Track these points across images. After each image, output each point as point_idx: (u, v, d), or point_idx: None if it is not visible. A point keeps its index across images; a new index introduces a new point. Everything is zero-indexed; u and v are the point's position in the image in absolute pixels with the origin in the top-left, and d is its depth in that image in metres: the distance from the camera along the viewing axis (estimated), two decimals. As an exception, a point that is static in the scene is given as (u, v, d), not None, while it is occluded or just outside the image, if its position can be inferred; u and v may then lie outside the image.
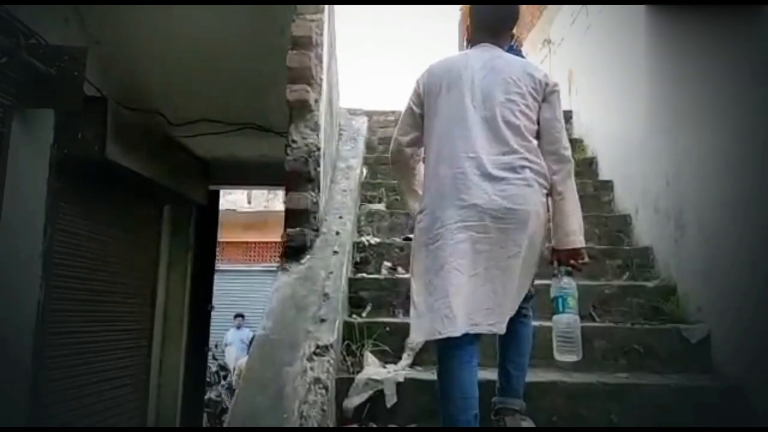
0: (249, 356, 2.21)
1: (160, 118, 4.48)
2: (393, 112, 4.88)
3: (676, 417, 2.19)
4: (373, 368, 2.35)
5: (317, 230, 2.95)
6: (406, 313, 2.78)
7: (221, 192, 6.38)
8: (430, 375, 2.33)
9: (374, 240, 3.22)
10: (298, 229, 2.81)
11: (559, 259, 2.02)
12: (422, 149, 2.15)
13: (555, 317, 2.00)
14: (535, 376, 2.34)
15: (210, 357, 9.72)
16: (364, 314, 2.79)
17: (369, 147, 4.42)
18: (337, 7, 3.74)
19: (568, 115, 4.95)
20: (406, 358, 2.46)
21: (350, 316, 2.74)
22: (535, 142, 1.98)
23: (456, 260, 1.84)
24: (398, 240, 3.33)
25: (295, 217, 2.88)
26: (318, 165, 3.01)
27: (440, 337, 1.83)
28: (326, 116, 3.50)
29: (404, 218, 3.51)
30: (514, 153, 1.91)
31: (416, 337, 2.02)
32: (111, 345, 4.16)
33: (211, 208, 5.78)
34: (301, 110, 2.95)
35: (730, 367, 2.35)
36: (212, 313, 6.07)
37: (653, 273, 3.08)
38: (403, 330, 2.56)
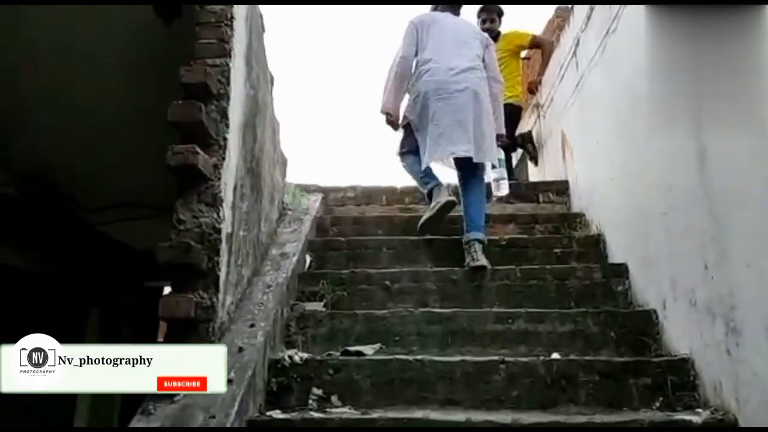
0: None
1: (72, 205, 3.73)
2: (353, 188, 4.09)
3: None
4: None
5: (211, 347, 2.05)
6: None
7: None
8: None
9: (299, 356, 2.27)
10: (173, 348, 1.91)
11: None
12: (414, 64, 3.44)
13: (491, 171, 3.84)
14: None
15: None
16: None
17: (320, 229, 3.56)
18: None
19: (564, 186, 4.15)
20: None
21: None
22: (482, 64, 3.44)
23: (440, 115, 3.21)
24: (336, 355, 2.40)
25: (173, 331, 2.01)
26: (217, 254, 2.17)
27: (453, 156, 3.23)
28: (249, 191, 2.71)
29: (349, 321, 2.60)
30: (472, 61, 3.36)
31: (429, 161, 3.24)
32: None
33: (150, 309, 4.88)
34: (191, 179, 2.16)
35: None
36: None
37: (699, 398, 2.12)
38: None
